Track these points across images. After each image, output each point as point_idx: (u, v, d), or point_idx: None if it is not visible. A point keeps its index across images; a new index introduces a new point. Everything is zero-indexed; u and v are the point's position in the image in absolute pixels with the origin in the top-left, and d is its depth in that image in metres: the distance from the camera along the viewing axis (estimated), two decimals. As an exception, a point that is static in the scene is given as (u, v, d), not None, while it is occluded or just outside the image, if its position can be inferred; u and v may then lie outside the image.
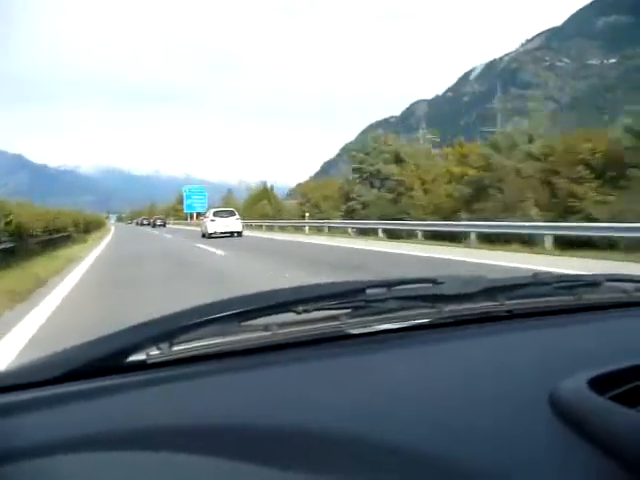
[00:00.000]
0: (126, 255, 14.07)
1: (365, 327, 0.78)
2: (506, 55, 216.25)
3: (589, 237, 11.24)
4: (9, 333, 4.45)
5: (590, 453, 0.46)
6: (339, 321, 0.76)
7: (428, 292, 0.83)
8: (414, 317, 0.82)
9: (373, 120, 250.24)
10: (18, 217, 12.18)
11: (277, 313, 0.74)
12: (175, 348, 0.68)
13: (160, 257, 12.66)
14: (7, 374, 0.69)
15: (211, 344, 0.70)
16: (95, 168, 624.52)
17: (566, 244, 11.42)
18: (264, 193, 48.69)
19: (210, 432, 0.53)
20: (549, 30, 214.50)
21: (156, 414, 0.57)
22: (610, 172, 14.62)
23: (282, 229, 30.66)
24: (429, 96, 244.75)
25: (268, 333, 0.73)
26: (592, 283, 0.96)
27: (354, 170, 33.15)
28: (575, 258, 9.43)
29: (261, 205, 44.23)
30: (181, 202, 68.68)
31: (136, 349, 0.66)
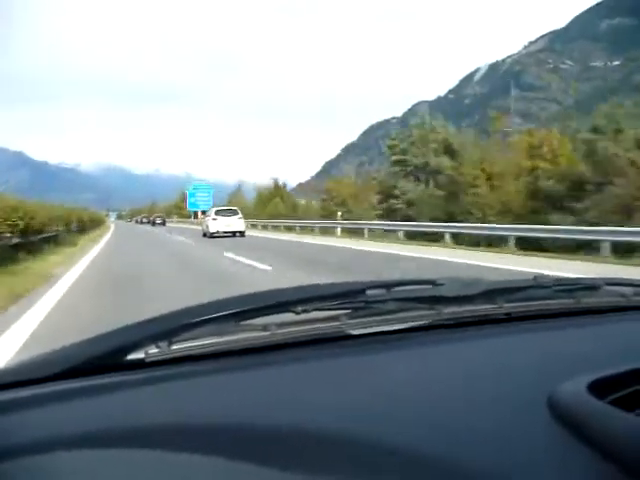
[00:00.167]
0: (124, 274, 8.36)
1: (365, 328, 0.78)
2: (509, 57, 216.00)
3: None
4: None
5: (589, 456, 0.46)
6: (339, 321, 0.76)
7: (428, 294, 0.83)
8: (414, 318, 0.82)
9: (374, 121, 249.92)
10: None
11: (276, 313, 0.74)
12: (174, 347, 0.68)
13: (189, 288, 6.61)
14: (6, 371, 0.69)
15: (210, 343, 0.70)
16: (95, 166, 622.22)
17: None
18: (276, 191, 45.40)
19: (208, 431, 0.53)
20: (552, 32, 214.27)
21: (155, 412, 0.58)
22: None
23: (304, 230, 27.10)
24: (431, 97, 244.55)
25: (267, 333, 0.72)
26: (591, 287, 0.97)
27: (394, 163, 28.17)
28: None
29: (273, 204, 41.10)
30: (184, 200, 65.11)
31: (135, 347, 0.66)
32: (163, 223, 56.41)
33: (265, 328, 0.73)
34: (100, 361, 0.65)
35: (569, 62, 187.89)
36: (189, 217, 59.58)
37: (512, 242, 12.91)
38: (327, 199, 34.54)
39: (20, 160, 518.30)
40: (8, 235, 10.21)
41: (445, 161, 24.98)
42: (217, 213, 23.35)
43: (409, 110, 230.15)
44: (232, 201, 48.71)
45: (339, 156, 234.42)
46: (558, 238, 12.47)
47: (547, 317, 0.90)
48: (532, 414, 0.54)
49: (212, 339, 0.70)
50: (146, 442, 0.52)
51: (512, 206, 17.79)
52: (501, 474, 0.46)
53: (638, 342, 0.80)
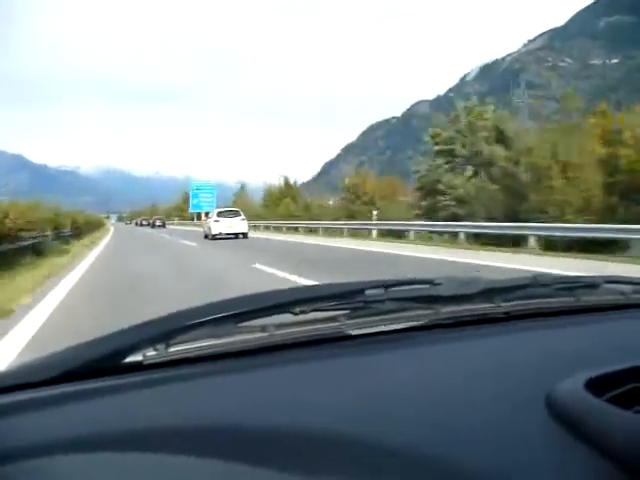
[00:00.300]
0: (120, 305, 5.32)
1: (363, 328, 0.78)
2: (508, 55, 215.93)
3: None
4: None
5: (587, 454, 0.47)
6: (337, 322, 0.76)
7: (426, 293, 0.83)
8: (412, 318, 0.82)
9: (374, 121, 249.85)
10: None
11: (275, 314, 0.74)
12: (172, 349, 0.68)
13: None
14: (4, 375, 0.69)
15: (208, 345, 0.70)
16: (95, 169, 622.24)
17: None
18: (287, 190, 42.08)
19: (207, 434, 0.53)
20: (551, 30, 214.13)
21: (153, 415, 0.58)
22: None
23: (328, 232, 24.51)
24: (430, 96, 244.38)
25: (265, 334, 0.72)
26: (590, 285, 0.97)
27: (437, 154, 23.19)
28: None
29: (284, 204, 38.10)
30: (186, 201, 61.53)
31: (133, 350, 0.66)
32: (163, 225, 55.76)
33: (263, 329, 0.73)
34: (98, 364, 0.65)
35: (568, 60, 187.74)
36: (192, 219, 56.49)
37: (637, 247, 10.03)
38: (348, 197, 30.68)
39: (19, 163, 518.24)
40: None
41: (498, 150, 20.67)
42: (219, 214, 22.78)
43: (408, 110, 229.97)
44: (237, 202, 46.70)
45: (339, 156, 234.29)
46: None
47: (546, 315, 0.90)
48: (531, 412, 0.54)
49: (210, 341, 0.70)
50: (145, 445, 0.51)
51: (593, 202, 14.74)
52: (500, 473, 0.46)
53: (637, 340, 0.80)
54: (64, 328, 4.41)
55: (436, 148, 23.70)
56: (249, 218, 34.88)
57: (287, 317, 0.74)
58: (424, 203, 23.40)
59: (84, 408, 0.59)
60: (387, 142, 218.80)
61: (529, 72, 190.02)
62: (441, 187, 22.12)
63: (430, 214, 21.80)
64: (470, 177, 21.29)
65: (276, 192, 42.91)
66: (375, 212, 23.30)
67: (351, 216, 27.09)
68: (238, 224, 21.98)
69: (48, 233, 15.11)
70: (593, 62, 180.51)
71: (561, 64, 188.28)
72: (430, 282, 0.84)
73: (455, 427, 0.53)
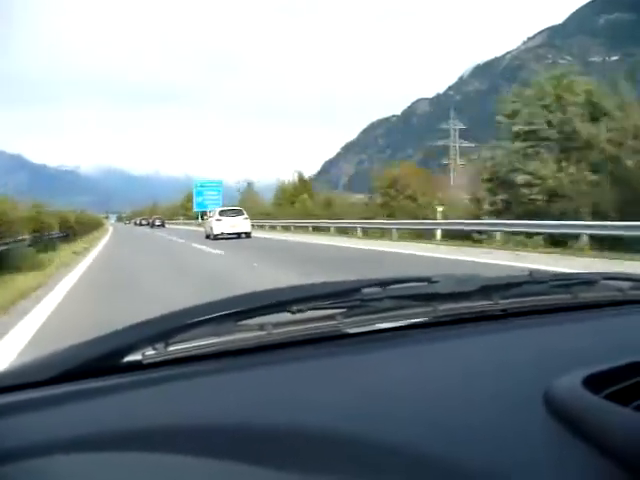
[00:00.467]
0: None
1: (361, 326, 0.78)
2: (508, 53, 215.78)
3: None
4: None
5: (586, 452, 0.46)
6: (335, 320, 0.76)
7: (423, 291, 0.83)
8: (409, 316, 0.82)
9: (374, 119, 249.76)
10: None
11: (273, 313, 0.74)
12: (171, 348, 0.68)
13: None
14: (3, 374, 0.69)
15: (207, 344, 0.70)
16: (95, 168, 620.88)
17: None
18: (302, 186, 37.92)
19: (206, 432, 0.53)
20: (551, 28, 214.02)
21: (153, 414, 0.58)
22: None
23: (368, 233, 21.07)
24: (430, 94, 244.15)
25: (264, 333, 0.73)
26: (588, 281, 0.97)
27: (517, 136, 17.00)
28: None
29: (301, 200, 34.47)
30: (190, 199, 57.11)
31: (132, 349, 0.67)
32: (162, 225, 55.66)
33: (262, 328, 0.73)
34: (97, 364, 0.65)
35: (568, 57, 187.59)
36: (197, 218, 50.62)
37: None
38: (388, 193, 25.44)
39: (18, 163, 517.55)
40: None
41: (597, 130, 15.18)
42: (221, 214, 22.22)
43: (408, 107, 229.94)
44: (245, 200, 44.49)
45: (339, 155, 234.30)
46: None
47: (543, 312, 0.90)
48: (529, 410, 0.54)
49: (209, 340, 0.70)
50: (144, 444, 0.51)
51: None
52: (499, 471, 0.46)
53: (634, 336, 0.80)
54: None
55: (514, 129, 17.26)
56: (258, 217, 32.34)
57: (285, 316, 0.74)
58: (498, 197, 17.27)
59: (83, 408, 0.59)
60: (387, 140, 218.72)
61: (529, 69, 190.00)
62: (522, 178, 16.09)
63: (506, 210, 16.45)
64: (561, 164, 15.67)
65: (290, 189, 38.73)
66: (440, 209, 18.56)
67: (391, 214, 23.29)
68: (241, 223, 21.47)
69: (24, 237, 11.47)
70: (593, 59, 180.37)
71: (561, 61, 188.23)
72: (428, 280, 0.84)
73: (454, 425, 0.53)
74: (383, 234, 20.13)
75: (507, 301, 0.87)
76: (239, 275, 8.68)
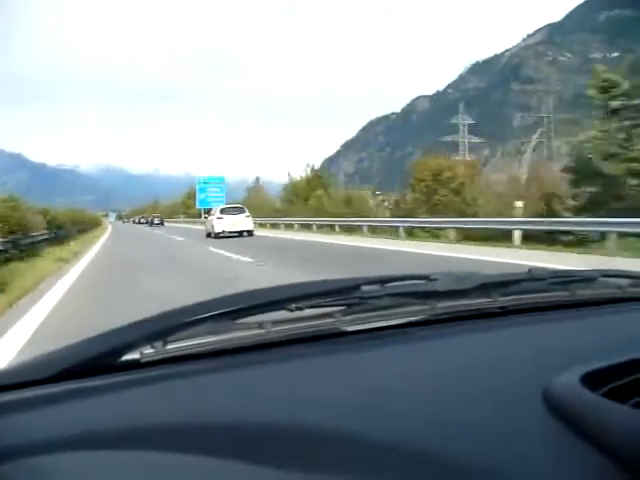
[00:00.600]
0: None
1: (359, 324, 0.78)
2: (507, 50, 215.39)
3: None
4: None
5: (584, 449, 0.46)
6: (333, 318, 0.76)
7: (422, 289, 0.83)
8: (408, 314, 0.82)
9: (373, 117, 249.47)
10: None
11: (271, 311, 0.74)
12: (169, 347, 0.68)
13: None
14: (1, 373, 0.69)
15: (205, 342, 0.70)
16: (95, 167, 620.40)
17: None
18: (315, 181, 34.23)
19: (205, 431, 0.53)
20: (550, 25, 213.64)
21: (150, 413, 0.58)
22: None
23: (410, 234, 17.04)
24: (430, 92, 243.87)
25: (262, 331, 0.73)
26: (586, 279, 0.97)
27: (612, 113, 13.48)
28: None
29: (316, 197, 30.82)
30: (192, 197, 55.80)
31: (130, 348, 0.67)
32: (161, 223, 55.49)
33: (260, 326, 0.73)
34: (95, 362, 0.65)
35: (568, 54, 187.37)
36: (199, 216, 46.74)
37: None
38: (430, 186, 21.42)
39: (18, 162, 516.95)
40: None
41: None
42: (222, 211, 21.50)
43: (408, 105, 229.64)
44: (252, 196, 43.19)
45: (338, 152, 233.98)
46: None
47: (542, 310, 0.90)
48: (527, 407, 0.54)
49: (207, 338, 0.70)
50: (143, 442, 0.51)
51: None
52: (497, 468, 0.46)
53: (633, 333, 0.80)
54: None
55: (613, 104, 13.66)
56: (270, 215, 31.14)
57: (283, 314, 0.74)
58: (583, 190, 13.81)
59: (82, 406, 0.59)
60: (387, 138, 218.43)
61: (529, 67, 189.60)
62: (624, 166, 12.71)
63: (594, 206, 12.95)
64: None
65: (303, 184, 35.05)
66: (520, 204, 14.07)
67: (430, 210, 19.82)
68: (243, 221, 20.84)
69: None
70: (593, 56, 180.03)
71: (561, 58, 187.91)
72: (426, 277, 0.84)
73: (452, 423, 0.53)
74: (433, 235, 16.23)
75: (506, 298, 0.87)
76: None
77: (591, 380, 0.54)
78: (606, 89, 14.72)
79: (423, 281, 0.84)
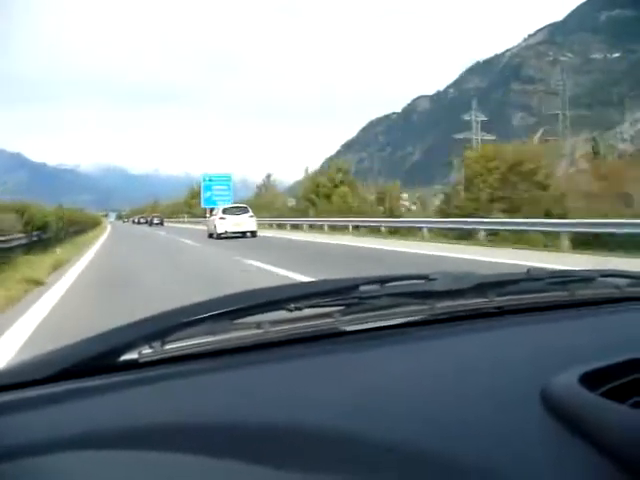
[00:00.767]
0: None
1: (358, 324, 0.78)
2: (508, 50, 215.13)
3: None
4: None
5: (583, 449, 0.46)
6: (332, 318, 0.76)
7: (420, 288, 0.83)
8: (407, 314, 0.82)
9: (374, 117, 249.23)
10: None
11: (270, 311, 0.74)
12: (167, 347, 0.68)
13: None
14: (1, 373, 0.69)
15: (203, 342, 0.70)
16: (95, 167, 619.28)
17: None
18: (341, 177, 31.23)
19: (203, 431, 0.53)
20: (551, 25, 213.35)
21: (150, 413, 0.58)
22: None
23: (461, 237, 14.29)
24: (430, 92, 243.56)
25: (261, 331, 0.73)
26: (585, 279, 0.97)
27: None
28: None
29: (339, 195, 28.76)
30: (195, 196, 53.90)
31: (128, 348, 0.67)
32: (161, 223, 55.52)
33: (259, 326, 0.73)
34: (94, 362, 0.65)
35: (569, 54, 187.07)
36: (203, 216, 40.35)
37: None
38: (503, 178, 17.31)
39: (18, 161, 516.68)
40: None
41: None
42: (225, 211, 20.66)
43: (409, 105, 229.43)
44: (262, 195, 41.87)
45: (339, 152, 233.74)
46: None
47: (540, 310, 0.90)
48: (525, 407, 0.54)
49: (206, 338, 0.70)
50: (142, 442, 0.51)
51: None
52: (495, 467, 0.46)
53: (631, 333, 0.81)
54: None
55: None
56: (280, 214, 29.88)
57: (282, 314, 0.74)
58: None
59: (81, 406, 0.59)
60: (387, 138, 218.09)
61: (530, 67, 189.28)
62: None
63: None
64: None
65: (324, 181, 31.99)
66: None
67: (476, 210, 16.71)
68: (246, 221, 20.02)
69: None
70: (594, 56, 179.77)
71: (562, 58, 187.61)
72: (425, 277, 0.84)
73: (451, 423, 0.53)
74: (519, 238, 12.85)
75: (504, 298, 0.87)
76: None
77: (590, 380, 0.54)
78: None
79: (422, 281, 0.84)
